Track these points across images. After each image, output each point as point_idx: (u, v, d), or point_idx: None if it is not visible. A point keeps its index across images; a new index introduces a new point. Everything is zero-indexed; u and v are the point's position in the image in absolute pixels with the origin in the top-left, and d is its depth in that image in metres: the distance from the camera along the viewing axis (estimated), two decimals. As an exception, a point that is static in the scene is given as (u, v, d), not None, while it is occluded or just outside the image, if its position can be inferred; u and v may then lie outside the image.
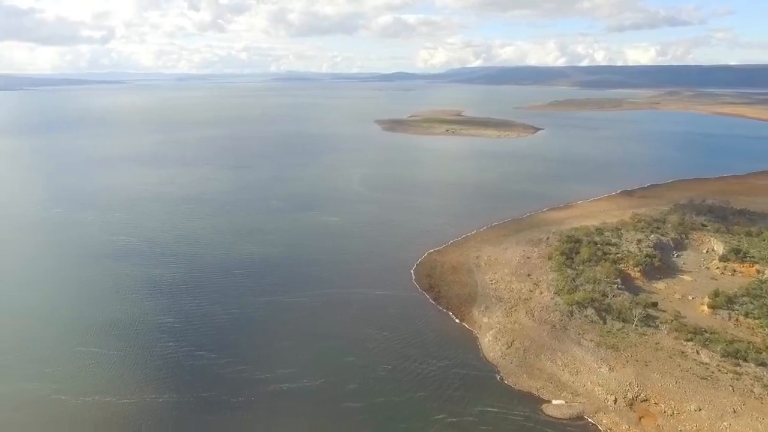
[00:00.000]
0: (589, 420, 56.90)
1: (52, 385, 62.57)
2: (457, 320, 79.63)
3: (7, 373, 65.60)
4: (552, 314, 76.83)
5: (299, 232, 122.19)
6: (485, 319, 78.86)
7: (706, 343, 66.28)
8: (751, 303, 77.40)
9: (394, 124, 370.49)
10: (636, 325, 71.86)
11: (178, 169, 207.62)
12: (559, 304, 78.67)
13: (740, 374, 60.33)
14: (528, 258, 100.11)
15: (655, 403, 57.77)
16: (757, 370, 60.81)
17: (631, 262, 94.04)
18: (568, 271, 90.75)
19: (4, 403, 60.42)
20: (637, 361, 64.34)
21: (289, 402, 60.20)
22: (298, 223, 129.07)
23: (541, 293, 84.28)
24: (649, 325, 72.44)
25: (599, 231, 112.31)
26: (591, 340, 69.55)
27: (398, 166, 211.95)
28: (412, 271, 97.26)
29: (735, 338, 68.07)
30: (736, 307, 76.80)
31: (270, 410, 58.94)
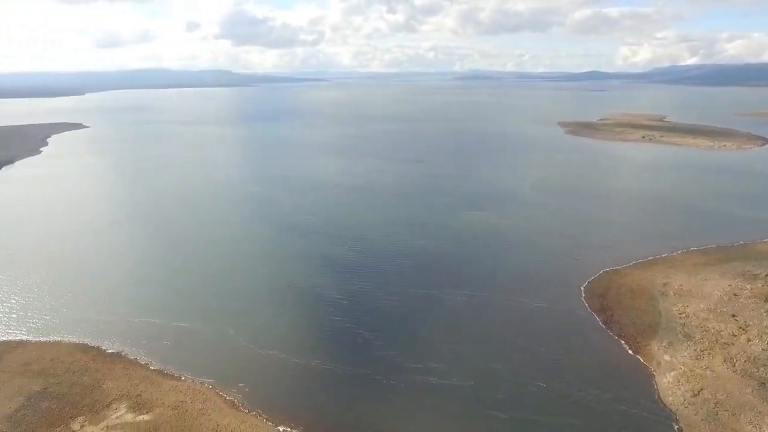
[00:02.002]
0: None
1: (240, 335, 74.31)
2: (630, 351, 70.18)
3: (212, 318, 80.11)
4: (763, 369, 62.27)
5: (463, 231, 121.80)
6: (667, 357, 67.83)
7: None
8: None
9: (580, 127, 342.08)
10: None
11: (356, 159, 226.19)
12: (774, 359, 63.34)
13: None
14: (735, 295, 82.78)
15: None
16: None
17: None
18: (793, 319, 72.32)
19: (208, 341, 73.81)
20: None
21: (436, 397, 60.71)
22: (463, 221, 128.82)
23: (749, 341, 68.91)
24: None
25: None
26: (818, 413, 54.36)
27: (579, 173, 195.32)
28: (582, 288, 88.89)
29: None
30: None
31: (417, 400, 60.25)
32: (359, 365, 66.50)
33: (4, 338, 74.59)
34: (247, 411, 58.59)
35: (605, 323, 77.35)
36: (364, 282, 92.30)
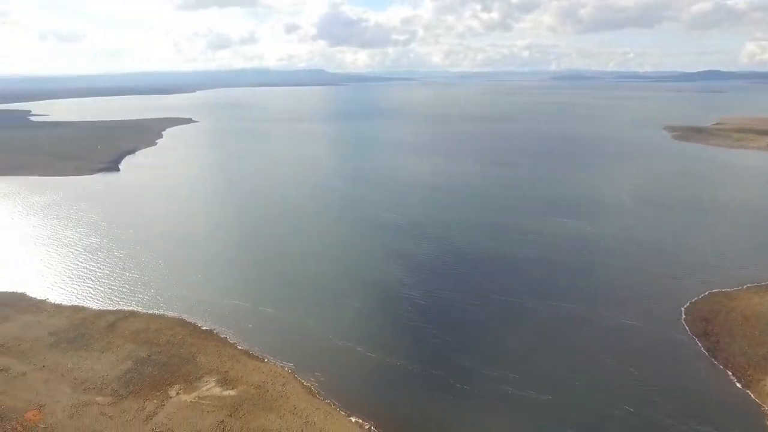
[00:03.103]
0: None
1: (320, 325, 77.14)
2: (738, 384, 62.57)
3: (295, 306, 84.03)
4: None
5: (551, 238, 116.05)
6: (784, 396, 59.52)
7: None
8: None
9: (691, 132, 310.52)
10: None
11: (443, 159, 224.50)
12: None
13: None
14: None
15: None
16: None
17: None
18: None
19: (290, 328, 77.50)
20: None
21: (510, 407, 58.64)
22: (551, 228, 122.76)
23: None
24: None
25: None
26: None
27: (685, 182, 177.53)
28: (682, 309, 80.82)
29: None
30: None
31: (489, 408, 58.64)
32: (433, 366, 66.10)
33: (120, 308, 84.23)
34: (322, 398, 60.79)
35: (709, 350, 69.66)
36: (442, 283, 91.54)
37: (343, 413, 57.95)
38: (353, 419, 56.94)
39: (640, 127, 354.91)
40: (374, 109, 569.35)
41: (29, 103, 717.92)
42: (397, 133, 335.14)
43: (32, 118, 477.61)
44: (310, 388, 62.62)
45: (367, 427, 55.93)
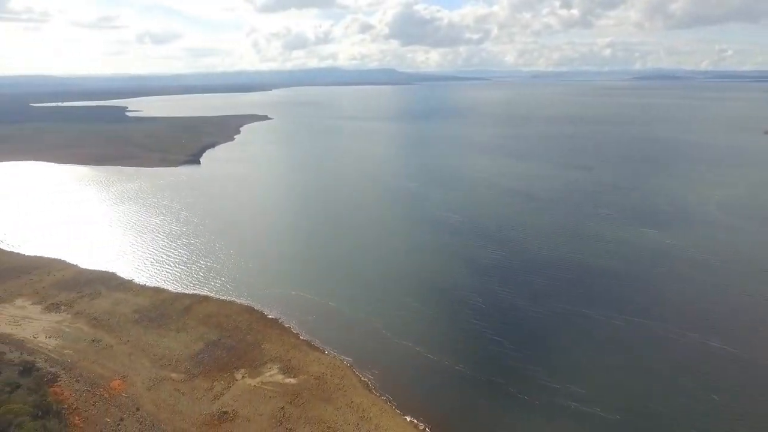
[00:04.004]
0: None
1: (380, 322, 77.66)
2: None
3: (357, 301, 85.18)
4: None
5: (628, 248, 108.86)
6: None
7: None
8: None
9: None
10: None
11: (515, 161, 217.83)
12: None
13: None
14: None
15: None
16: None
17: None
18: None
19: (350, 322, 78.71)
20: None
21: (573, 423, 55.72)
22: (628, 238, 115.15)
23: None
24: None
25: None
26: None
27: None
28: (779, 334, 72.64)
29: None
30: None
31: (550, 422, 56.07)
32: (493, 373, 64.33)
33: (195, 292, 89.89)
34: (378, 394, 61.18)
35: (810, 383, 62.00)
36: (507, 289, 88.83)
37: (398, 411, 57.96)
38: (408, 418, 56.77)
39: (737, 130, 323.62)
40: (445, 109, 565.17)
41: (126, 99, 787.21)
42: (469, 133, 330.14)
43: (128, 114, 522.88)
44: (367, 384, 63.23)
45: (421, 427, 55.52)
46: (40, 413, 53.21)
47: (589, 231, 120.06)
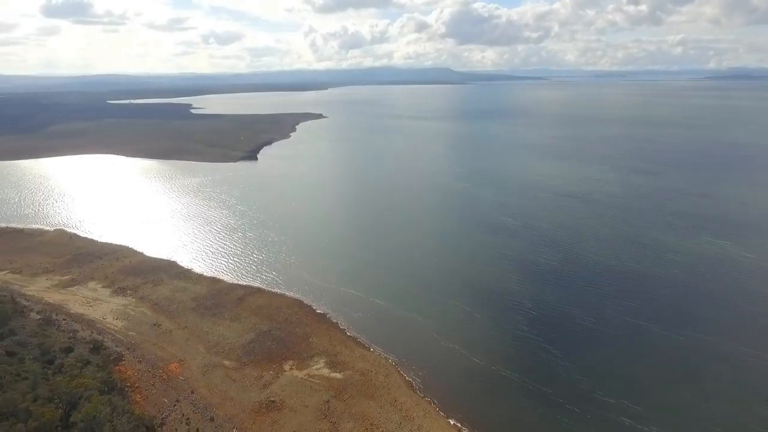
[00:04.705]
0: None
1: (428, 323, 77.20)
2: None
3: (405, 301, 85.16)
4: None
5: (694, 259, 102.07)
6: None
7: None
8: None
9: None
10: None
11: (572, 164, 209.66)
12: None
13: None
14: None
15: None
16: None
17: None
18: None
19: (397, 321, 78.78)
20: None
21: (626, 440, 52.99)
22: (695, 248, 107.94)
23: None
24: None
25: None
26: None
27: None
28: None
29: None
30: None
31: (602, 437, 53.59)
32: (541, 381, 62.31)
33: (248, 283, 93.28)
34: (422, 395, 60.86)
35: None
36: (561, 296, 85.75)
37: (442, 414, 57.41)
38: (452, 422, 56.09)
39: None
40: (500, 109, 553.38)
41: (191, 97, 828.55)
42: (525, 134, 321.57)
43: (192, 111, 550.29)
44: (412, 383, 63.09)
45: (465, 432, 54.74)
46: (106, 389, 57.12)
47: (653, 239, 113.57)
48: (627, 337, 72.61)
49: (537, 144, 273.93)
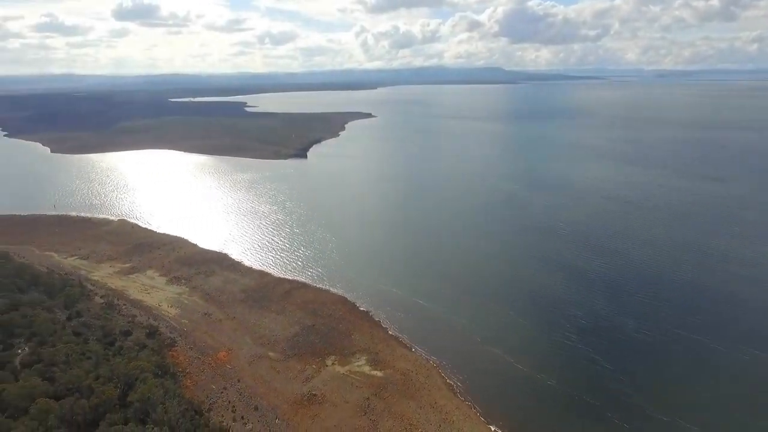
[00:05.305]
0: None
1: (472, 326, 76.09)
2: None
3: (449, 303, 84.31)
4: None
5: (760, 273, 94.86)
6: None
7: None
8: None
9: None
10: None
11: (630, 168, 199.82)
12: None
13: None
14: None
15: None
16: None
17: None
18: None
19: (440, 323, 78.14)
20: None
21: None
22: (761, 261, 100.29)
23: None
24: None
25: None
26: None
27: None
28: None
29: None
30: None
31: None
32: (589, 394, 59.88)
33: (294, 278, 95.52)
34: (463, 399, 60.07)
35: None
36: (613, 306, 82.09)
37: (483, 420, 56.42)
38: (492, 428, 55.00)
39: None
40: (554, 110, 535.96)
41: (246, 96, 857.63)
42: (580, 136, 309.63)
43: (246, 109, 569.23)
44: (452, 386, 62.39)
45: (507, 440, 53.51)
46: (160, 372, 60.24)
47: (717, 251, 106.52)
48: (686, 353, 68.50)
49: (592, 146, 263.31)
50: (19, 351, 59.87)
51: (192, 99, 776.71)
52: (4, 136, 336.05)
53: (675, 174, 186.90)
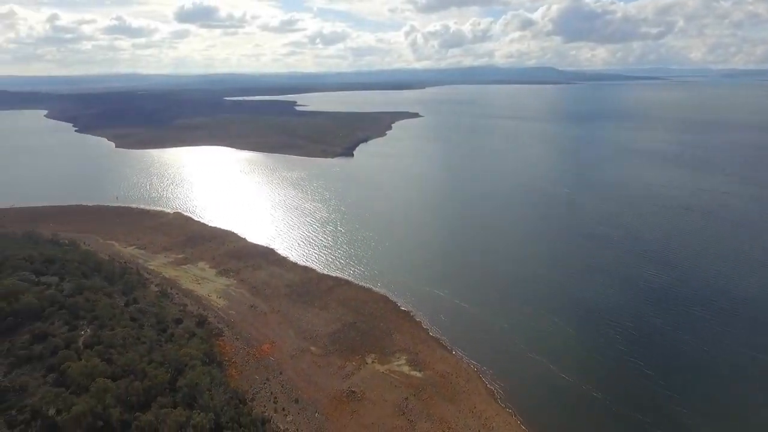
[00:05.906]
0: None
1: (514, 332, 74.40)
2: None
3: (492, 307, 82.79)
4: None
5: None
6: None
7: None
8: None
9: None
10: None
11: (691, 173, 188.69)
12: None
13: None
14: None
15: None
16: None
17: None
18: None
19: (482, 327, 76.91)
20: None
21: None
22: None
23: None
24: None
25: None
26: None
27: None
28: None
29: None
30: None
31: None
32: (638, 409, 57.13)
33: (337, 275, 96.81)
34: (503, 405, 58.84)
35: None
36: (667, 319, 77.89)
37: (523, 428, 55.06)
38: (534, 438, 53.56)
39: None
40: (610, 111, 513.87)
41: (296, 95, 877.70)
42: (637, 138, 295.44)
43: (296, 108, 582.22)
44: (493, 392, 61.25)
45: (548, 451, 51.95)
46: (207, 360, 62.73)
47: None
48: (745, 372, 64.15)
49: (650, 150, 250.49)
50: (82, 333, 64.02)
51: (245, 98, 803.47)
52: (75, 131, 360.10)
53: (740, 180, 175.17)
